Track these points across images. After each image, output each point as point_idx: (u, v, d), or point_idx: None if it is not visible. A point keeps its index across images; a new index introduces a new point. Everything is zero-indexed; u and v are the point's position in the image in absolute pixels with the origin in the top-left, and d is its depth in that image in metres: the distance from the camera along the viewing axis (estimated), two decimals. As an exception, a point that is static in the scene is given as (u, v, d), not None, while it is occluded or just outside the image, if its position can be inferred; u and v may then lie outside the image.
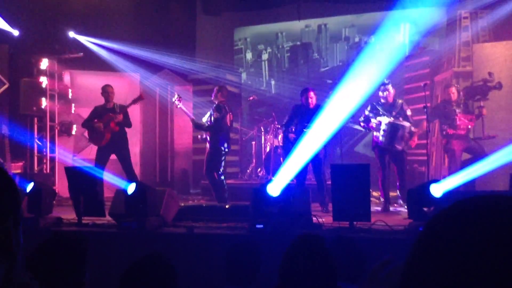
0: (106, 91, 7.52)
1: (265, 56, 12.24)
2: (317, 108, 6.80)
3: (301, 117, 6.81)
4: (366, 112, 7.00)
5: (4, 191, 1.15)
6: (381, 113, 6.84)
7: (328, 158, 7.88)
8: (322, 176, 6.84)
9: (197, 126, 7.51)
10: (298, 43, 11.99)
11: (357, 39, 11.25)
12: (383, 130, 6.68)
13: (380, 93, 6.96)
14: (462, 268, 0.57)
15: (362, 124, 7.05)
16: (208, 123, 7.36)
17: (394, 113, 6.83)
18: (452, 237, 0.60)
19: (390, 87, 6.92)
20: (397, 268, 1.01)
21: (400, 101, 7.03)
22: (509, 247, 0.56)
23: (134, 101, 7.35)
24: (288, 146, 6.86)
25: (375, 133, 6.86)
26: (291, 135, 6.83)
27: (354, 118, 7.36)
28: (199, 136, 8.01)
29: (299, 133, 6.74)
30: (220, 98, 7.43)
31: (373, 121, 6.82)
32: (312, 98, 6.85)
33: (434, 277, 0.59)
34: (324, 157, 6.91)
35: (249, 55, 12.34)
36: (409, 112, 6.87)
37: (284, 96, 11.22)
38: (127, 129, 7.55)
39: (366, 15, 10.74)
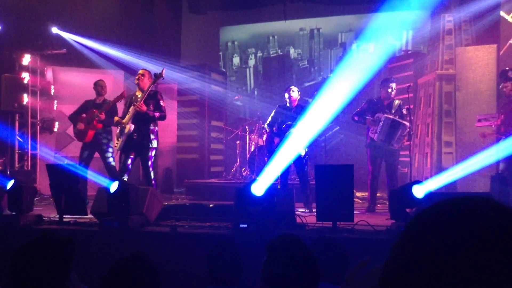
0: (98, 84, 7.39)
1: (251, 62, 11.99)
2: (300, 107, 6.88)
3: (284, 116, 6.88)
4: (362, 107, 6.89)
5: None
6: (378, 110, 6.71)
7: (312, 158, 7.91)
8: (305, 176, 6.85)
9: (161, 118, 6.55)
10: (274, 54, 11.66)
11: (354, 46, 10.57)
12: (382, 126, 6.56)
13: (383, 90, 6.84)
14: (440, 268, 0.57)
15: (355, 118, 6.90)
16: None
17: (392, 112, 6.74)
18: (431, 238, 0.60)
19: (394, 85, 6.79)
20: (375, 269, 1.02)
21: (397, 101, 6.86)
22: (487, 248, 0.57)
23: (116, 99, 7.21)
24: (271, 146, 6.87)
25: (370, 131, 6.72)
26: (276, 139, 6.84)
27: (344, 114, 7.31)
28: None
29: (282, 132, 6.78)
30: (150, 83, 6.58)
31: (370, 119, 6.68)
32: (293, 94, 6.87)
33: (413, 277, 0.59)
34: (307, 157, 6.90)
35: (236, 60, 12.13)
36: (404, 112, 6.73)
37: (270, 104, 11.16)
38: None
39: (364, 18, 10.46)
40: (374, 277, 0.99)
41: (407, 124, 6.59)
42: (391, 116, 6.60)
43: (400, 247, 0.64)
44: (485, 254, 0.56)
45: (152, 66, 9.85)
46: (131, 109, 6.41)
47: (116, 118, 6.62)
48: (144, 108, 6.31)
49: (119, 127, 6.55)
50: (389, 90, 6.75)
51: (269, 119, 7.09)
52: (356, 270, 1.10)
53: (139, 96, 6.48)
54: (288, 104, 6.95)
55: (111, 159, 7.37)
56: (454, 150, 8.24)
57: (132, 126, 6.35)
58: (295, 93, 6.92)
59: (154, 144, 6.47)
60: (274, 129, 6.92)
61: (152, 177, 6.42)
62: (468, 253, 0.57)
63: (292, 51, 11.70)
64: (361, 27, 10.05)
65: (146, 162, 6.42)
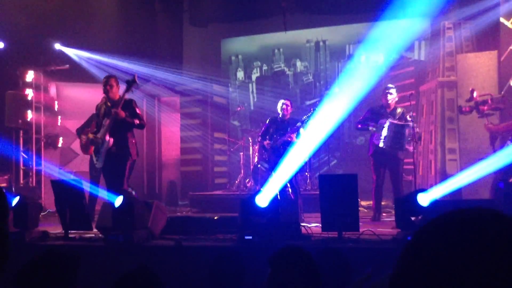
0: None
1: (254, 76, 11.85)
2: (292, 120, 7.15)
3: (276, 128, 7.16)
4: (365, 115, 6.93)
5: None
6: (381, 117, 6.73)
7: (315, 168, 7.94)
8: (296, 187, 6.95)
9: (140, 126, 6.30)
10: (278, 68, 11.48)
11: (363, 58, 10.30)
12: (387, 131, 6.56)
13: (383, 97, 6.87)
14: (447, 279, 0.58)
15: (359, 125, 6.98)
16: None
17: (396, 119, 6.73)
18: (436, 250, 0.61)
19: (394, 91, 6.84)
20: (377, 283, 1.02)
21: (400, 109, 6.87)
22: (491, 259, 0.58)
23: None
24: (263, 157, 7.10)
25: (374, 138, 6.71)
26: (266, 144, 7.16)
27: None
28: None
29: (274, 144, 7.07)
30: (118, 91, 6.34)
31: (373, 128, 6.71)
32: (287, 108, 7.15)
33: (420, 287, 0.60)
34: (309, 168, 7.03)
35: (240, 74, 11.99)
36: (409, 118, 6.70)
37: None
38: None
39: (372, 27, 10.27)
40: (379, 289, 0.99)
41: (410, 124, 6.60)
42: (395, 121, 6.62)
43: (407, 258, 0.65)
44: (490, 264, 0.57)
45: (156, 72, 9.94)
46: (106, 122, 6.08)
47: (90, 135, 6.27)
48: (123, 114, 5.98)
49: (94, 143, 6.19)
50: (389, 96, 6.78)
51: (262, 130, 7.44)
52: (360, 283, 1.10)
53: (110, 105, 6.11)
54: (280, 117, 7.22)
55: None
56: (458, 157, 8.22)
57: (111, 141, 6.04)
58: (288, 106, 7.19)
59: (133, 155, 6.15)
60: (265, 143, 7.19)
61: (125, 187, 6.02)
62: (472, 264, 0.58)
63: (298, 64, 11.52)
64: (369, 37, 10.00)
65: (123, 174, 6.04)
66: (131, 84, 6.10)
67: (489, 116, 7.12)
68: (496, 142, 6.99)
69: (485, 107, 7.05)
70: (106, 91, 6.21)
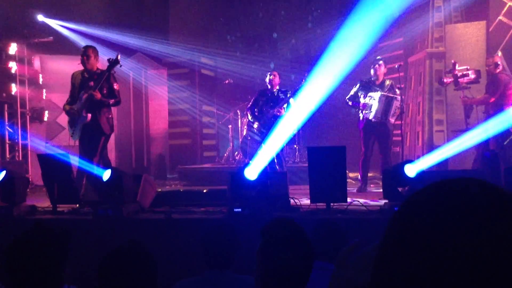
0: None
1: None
2: (281, 92, 7.16)
3: (265, 100, 7.15)
4: (354, 89, 6.95)
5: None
6: (370, 90, 6.79)
7: (304, 140, 7.97)
8: (281, 161, 7.03)
9: (115, 104, 6.30)
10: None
11: None
12: (377, 103, 6.63)
13: (372, 70, 6.90)
14: (432, 249, 0.59)
15: (349, 102, 6.99)
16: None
17: (385, 91, 6.78)
18: (423, 220, 0.62)
19: (382, 63, 6.89)
20: (366, 252, 1.03)
21: (388, 82, 6.93)
22: (477, 227, 0.59)
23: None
24: (253, 129, 7.15)
25: (364, 111, 6.77)
26: (256, 123, 7.17)
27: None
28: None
29: (263, 116, 7.08)
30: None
31: (363, 100, 6.76)
32: (274, 78, 7.15)
33: (407, 259, 0.61)
34: (298, 140, 7.07)
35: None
36: (397, 91, 6.81)
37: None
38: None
39: None
40: (365, 260, 1.00)
41: (398, 97, 6.69)
42: (385, 93, 6.65)
43: (393, 229, 0.65)
44: (475, 233, 0.58)
45: (143, 43, 9.77)
46: (83, 96, 5.99)
47: (66, 107, 6.21)
48: (99, 96, 5.92)
49: (69, 114, 6.15)
50: (378, 68, 6.80)
51: (251, 102, 7.39)
52: (346, 253, 1.11)
53: (87, 77, 6.05)
54: (269, 88, 7.21)
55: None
56: (445, 128, 8.29)
57: (89, 116, 5.98)
58: (276, 77, 7.18)
59: (107, 131, 6.12)
60: (255, 112, 7.18)
61: (100, 162, 6.00)
62: (458, 233, 0.59)
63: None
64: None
65: (96, 148, 6.02)
66: (113, 64, 5.94)
67: (466, 89, 7.18)
68: (471, 114, 7.11)
69: (464, 80, 7.10)
70: (83, 61, 6.11)
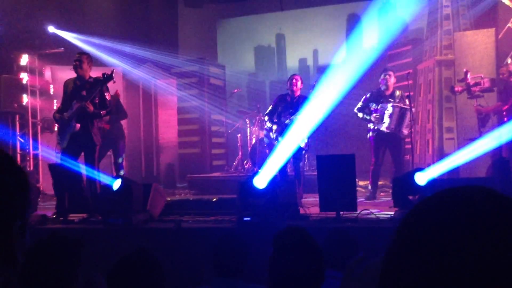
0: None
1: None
2: (302, 98, 6.59)
3: (285, 106, 6.59)
4: (363, 102, 6.84)
5: (13, 188, 0.92)
6: (381, 101, 6.71)
7: (313, 149, 7.90)
8: (300, 167, 6.65)
9: (106, 115, 6.24)
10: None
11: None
12: (389, 115, 6.56)
13: (382, 81, 6.78)
14: (439, 257, 0.59)
15: (359, 114, 6.80)
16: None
17: (396, 101, 6.71)
18: (429, 228, 0.62)
19: (392, 74, 6.81)
20: (372, 264, 1.02)
21: (398, 92, 6.82)
22: (482, 236, 0.58)
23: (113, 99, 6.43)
24: (270, 136, 6.73)
25: (376, 123, 6.66)
26: (273, 126, 6.60)
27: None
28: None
29: (282, 123, 6.55)
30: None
31: (375, 116, 6.66)
32: (297, 83, 6.54)
33: (414, 266, 0.61)
34: (307, 149, 6.76)
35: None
36: (407, 101, 6.69)
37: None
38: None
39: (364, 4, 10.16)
40: (372, 272, 1.00)
41: (412, 108, 6.64)
42: (398, 104, 6.61)
43: (399, 238, 0.65)
44: (479, 241, 0.58)
45: (151, 55, 9.84)
46: (75, 106, 5.85)
47: (56, 115, 6.08)
48: (91, 108, 5.77)
49: (59, 122, 6.05)
50: (387, 77, 6.74)
51: (269, 108, 6.77)
52: (353, 266, 1.11)
53: (79, 84, 5.93)
54: (290, 94, 6.64)
55: (119, 159, 7.37)
56: (456, 136, 8.23)
57: (78, 126, 5.82)
58: (298, 82, 6.58)
59: (97, 141, 5.96)
60: (274, 119, 6.61)
61: (97, 174, 5.88)
62: (462, 242, 0.59)
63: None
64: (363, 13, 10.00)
65: (92, 160, 5.90)
66: (106, 79, 5.82)
67: (479, 98, 7.12)
68: (487, 123, 7.04)
69: (477, 89, 7.05)
70: (75, 67, 5.99)
